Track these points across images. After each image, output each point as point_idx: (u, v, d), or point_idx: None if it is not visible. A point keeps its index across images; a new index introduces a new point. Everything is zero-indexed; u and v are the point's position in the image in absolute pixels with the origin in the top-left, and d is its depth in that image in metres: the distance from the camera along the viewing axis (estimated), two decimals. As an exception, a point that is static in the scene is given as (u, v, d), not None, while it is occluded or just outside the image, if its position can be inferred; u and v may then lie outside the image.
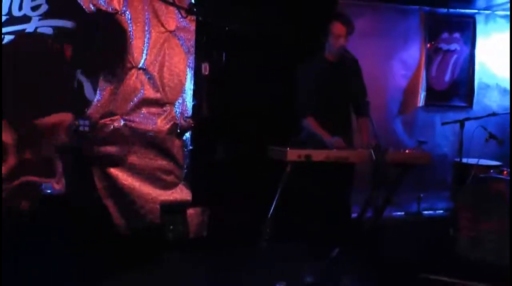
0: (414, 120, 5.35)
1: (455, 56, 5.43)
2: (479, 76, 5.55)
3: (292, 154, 3.42)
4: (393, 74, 5.26)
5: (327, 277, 3.51)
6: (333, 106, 3.75)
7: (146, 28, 4.12)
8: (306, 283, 3.48)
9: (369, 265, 3.73)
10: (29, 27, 3.75)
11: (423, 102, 5.35)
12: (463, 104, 5.49)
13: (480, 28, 5.49)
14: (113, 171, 4.15)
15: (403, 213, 5.24)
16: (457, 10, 5.41)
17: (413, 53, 5.32)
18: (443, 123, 4.83)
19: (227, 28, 3.35)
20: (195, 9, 3.69)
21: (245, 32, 3.83)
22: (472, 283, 3.51)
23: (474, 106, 5.49)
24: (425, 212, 5.25)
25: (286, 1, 4.50)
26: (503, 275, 3.70)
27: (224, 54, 3.23)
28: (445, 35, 5.38)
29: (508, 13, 5.53)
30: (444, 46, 5.39)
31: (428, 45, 5.34)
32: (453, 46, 5.42)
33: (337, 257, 3.67)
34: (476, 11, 5.47)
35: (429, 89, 5.34)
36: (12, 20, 3.72)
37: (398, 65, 5.28)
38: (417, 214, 5.16)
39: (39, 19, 3.79)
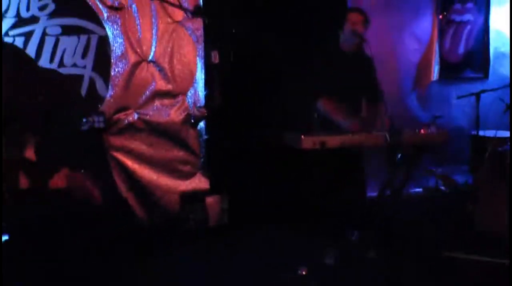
0: (428, 94, 5.27)
1: (468, 27, 5.32)
2: (495, 45, 5.44)
3: (307, 141, 3.41)
4: (405, 49, 5.16)
5: (347, 259, 3.54)
6: (345, 94, 3.72)
7: (153, 21, 4.10)
8: (327, 265, 3.52)
9: (390, 246, 3.75)
10: (37, 28, 3.77)
11: (437, 75, 5.27)
12: (478, 75, 5.39)
13: (495, -6, 5.35)
14: (131, 164, 4.19)
15: (421, 189, 5.21)
16: (470, -23, 5.29)
17: (425, 26, 5.21)
18: (458, 97, 4.77)
19: (233, 31, 3.31)
20: (201, 12, 3.67)
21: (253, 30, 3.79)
22: (494, 260, 3.51)
23: (490, 76, 5.40)
24: (443, 187, 5.22)
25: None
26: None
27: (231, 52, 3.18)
28: (458, 6, 5.26)
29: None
30: (457, 18, 5.27)
31: (440, 16, 5.22)
32: (466, 17, 5.30)
33: (357, 239, 3.69)
34: (490, -24, 5.34)
35: (443, 62, 5.25)
36: (21, 21, 3.74)
37: (410, 39, 5.18)
38: (435, 190, 5.13)
39: (47, 19, 3.80)
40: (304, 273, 3.36)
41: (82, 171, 2.86)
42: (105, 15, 3.97)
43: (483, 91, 4.51)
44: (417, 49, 5.24)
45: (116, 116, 4.10)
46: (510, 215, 3.61)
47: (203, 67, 4.33)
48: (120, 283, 3.35)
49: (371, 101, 3.86)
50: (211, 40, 4.21)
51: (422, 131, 3.74)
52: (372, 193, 4.23)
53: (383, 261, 3.49)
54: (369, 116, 3.86)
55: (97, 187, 3.26)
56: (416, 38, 5.23)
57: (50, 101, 2.19)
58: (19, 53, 2.38)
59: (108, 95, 4.06)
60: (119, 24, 4.00)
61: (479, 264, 3.50)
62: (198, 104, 4.37)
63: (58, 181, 3.01)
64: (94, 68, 3.98)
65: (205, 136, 4.45)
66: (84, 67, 3.95)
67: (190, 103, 4.35)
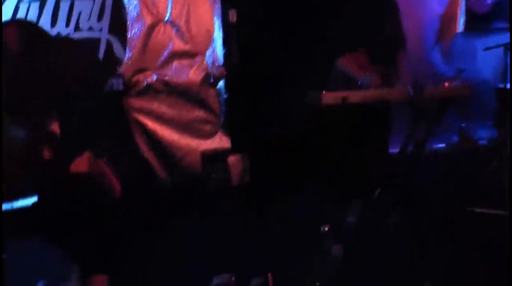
0: (452, 47, 5.10)
1: (499, -27, 5.06)
2: (527, -7, 5.17)
3: (328, 97, 3.37)
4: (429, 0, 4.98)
5: (369, 216, 3.55)
6: (368, 43, 3.62)
7: (168, -20, 4.04)
8: (349, 223, 3.54)
9: (412, 202, 3.74)
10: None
11: (463, 27, 5.07)
12: (508, 25, 5.15)
13: None
14: (151, 125, 4.22)
15: (443, 144, 5.12)
16: None
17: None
18: (485, 49, 4.59)
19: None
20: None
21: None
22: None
23: (520, 27, 5.17)
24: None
25: None
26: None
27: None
28: None
29: None
30: (487, -38, 5.02)
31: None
32: (498, -39, 5.03)
33: (379, 196, 3.68)
34: None
35: (469, 13, 5.04)
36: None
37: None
38: (458, 145, 5.03)
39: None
40: (326, 229, 3.38)
41: (104, 159, 2.79)
42: (119, -24, 3.91)
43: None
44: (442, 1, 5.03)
45: (135, 78, 4.09)
46: (510, 207, 3.53)
47: (221, 26, 4.27)
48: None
49: (394, 48, 3.74)
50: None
51: (445, 84, 3.65)
52: (394, 149, 4.19)
53: (404, 220, 3.50)
54: (391, 67, 3.74)
55: (117, 176, 3.22)
56: (442, -13, 5.02)
57: (67, 74, 2.12)
58: (29, 29, 2.28)
59: (125, 58, 4.05)
60: (133, -15, 3.95)
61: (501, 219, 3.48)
62: (217, 64, 4.33)
63: (80, 164, 2.97)
64: (110, 31, 3.95)
65: (225, 95, 4.42)
66: (101, 30, 3.93)
67: (209, 62, 4.31)
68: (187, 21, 4.16)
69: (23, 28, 2.00)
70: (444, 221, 3.51)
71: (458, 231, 3.41)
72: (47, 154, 2.04)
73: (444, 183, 4.17)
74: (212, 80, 4.34)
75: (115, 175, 3.01)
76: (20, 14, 3.72)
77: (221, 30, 4.27)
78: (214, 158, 4.44)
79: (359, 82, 3.53)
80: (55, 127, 2.15)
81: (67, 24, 3.80)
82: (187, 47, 4.20)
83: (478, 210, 3.59)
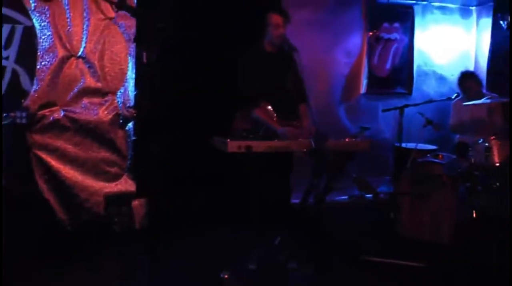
0: (357, 107, 5.46)
1: (395, 45, 5.57)
2: (418, 64, 5.73)
3: (233, 146, 3.41)
4: (336, 62, 5.32)
5: (270, 263, 3.58)
6: (274, 97, 3.76)
7: (85, 15, 4.02)
8: (250, 270, 3.54)
9: (311, 250, 3.83)
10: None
11: (365, 89, 5.47)
12: (403, 91, 5.65)
13: (418, 18, 5.66)
14: (55, 164, 4.05)
15: (346, 197, 5.36)
16: (397, 0, 5.54)
17: (356, 42, 5.41)
18: (383, 110, 4.95)
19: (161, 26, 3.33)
20: (126, 6, 3.61)
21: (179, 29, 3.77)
22: (409, 263, 3.68)
23: (414, 93, 5.66)
24: (368, 195, 5.38)
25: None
26: (439, 253, 3.91)
27: (156, 50, 3.16)
28: (386, 25, 5.50)
29: (443, 4, 5.76)
30: (385, 35, 5.51)
31: (370, 33, 5.45)
32: (394, 36, 5.55)
33: (280, 244, 3.73)
34: (414, 1, 5.64)
35: (371, 77, 5.46)
36: None
37: (341, 53, 5.36)
38: (359, 198, 5.29)
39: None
40: (226, 277, 3.35)
41: None
42: (32, 5, 3.84)
43: (406, 105, 4.72)
44: (348, 63, 5.42)
45: (41, 112, 3.96)
46: (511, 219, 3.78)
47: (134, 66, 4.27)
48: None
49: (298, 100, 3.90)
50: (142, 40, 4.18)
51: (346, 139, 3.85)
52: (296, 200, 4.30)
53: (303, 268, 3.56)
54: (299, 120, 3.88)
55: None
56: (347, 53, 5.41)
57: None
58: None
59: (32, 90, 3.91)
60: (48, 15, 3.89)
61: (397, 267, 3.65)
62: (128, 104, 4.29)
63: None
64: (17, 60, 3.83)
65: (133, 138, 4.37)
66: (7, 58, 3.79)
67: (119, 103, 4.27)
68: (101, 59, 4.13)
69: None
70: (341, 269, 3.62)
71: (352, 278, 3.51)
72: None
73: (343, 232, 4.33)
74: (121, 121, 4.29)
75: None
76: None
77: (134, 71, 4.27)
78: (118, 201, 4.32)
79: (279, 133, 3.61)
80: None
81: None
82: (98, 85, 4.15)
83: (372, 258, 3.75)
